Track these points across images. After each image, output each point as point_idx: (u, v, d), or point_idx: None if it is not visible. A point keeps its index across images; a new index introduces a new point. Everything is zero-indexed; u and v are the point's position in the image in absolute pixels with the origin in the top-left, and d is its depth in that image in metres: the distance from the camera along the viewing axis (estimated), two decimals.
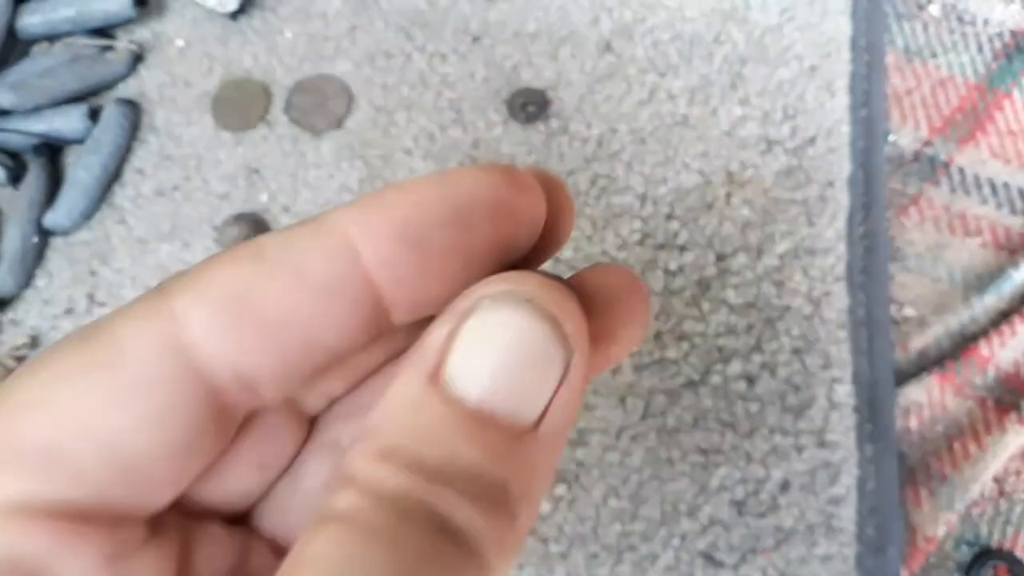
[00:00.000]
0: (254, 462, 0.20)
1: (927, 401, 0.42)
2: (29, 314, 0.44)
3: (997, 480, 0.41)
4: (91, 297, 0.44)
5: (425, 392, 0.16)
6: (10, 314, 0.44)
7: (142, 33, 0.48)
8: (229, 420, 0.18)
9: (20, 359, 0.43)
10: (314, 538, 0.15)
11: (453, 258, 0.17)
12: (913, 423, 0.42)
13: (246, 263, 0.17)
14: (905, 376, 0.42)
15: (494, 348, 0.16)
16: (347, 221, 0.17)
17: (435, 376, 0.16)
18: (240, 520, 0.20)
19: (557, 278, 0.18)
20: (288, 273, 0.17)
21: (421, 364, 0.16)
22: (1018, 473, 0.41)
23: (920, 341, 0.43)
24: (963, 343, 0.43)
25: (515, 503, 0.16)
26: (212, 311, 0.16)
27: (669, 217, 0.43)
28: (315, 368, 0.18)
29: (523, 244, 0.19)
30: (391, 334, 0.20)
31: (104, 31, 0.48)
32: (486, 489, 0.15)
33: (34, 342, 0.43)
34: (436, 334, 0.16)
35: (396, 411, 0.16)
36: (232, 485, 0.20)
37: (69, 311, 0.44)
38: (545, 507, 0.39)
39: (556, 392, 0.16)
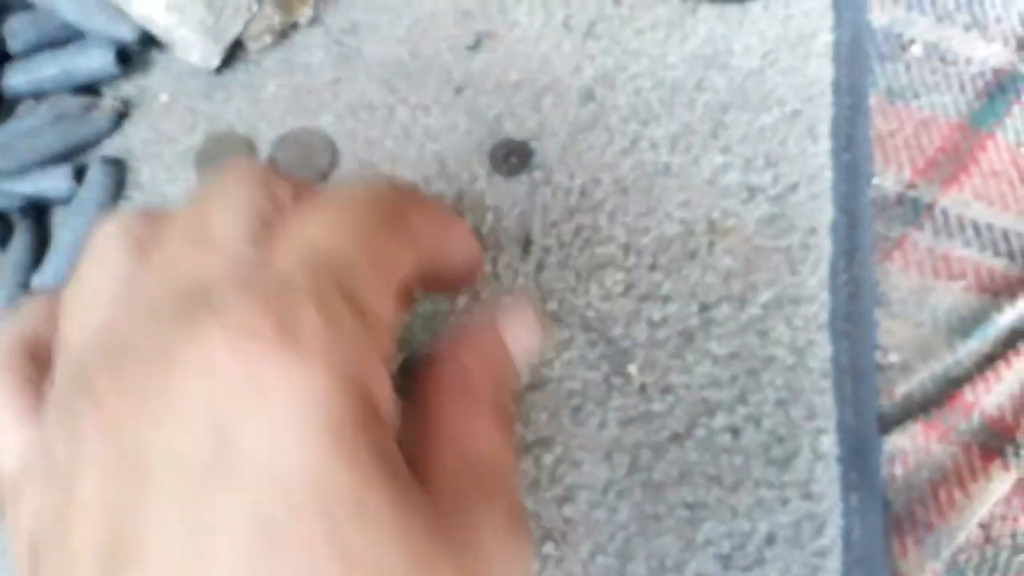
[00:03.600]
0: None
1: (912, 447, 0.42)
2: None
3: (983, 526, 0.41)
4: None
5: None
6: None
7: (127, 89, 0.48)
8: None
9: None
10: None
11: None
12: (899, 470, 0.42)
13: None
14: (890, 422, 0.43)
15: None
16: None
17: None
18: None
19: None
20: None
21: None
22: (1003, 518, 0.41)
23: (905, 387, 0.43)
24: (948, 388, 0.43)
25: None
26: None
27: (652, 267, 0.43)
28: None
29: None
30: None
31: (90, 88, 0.48)
32: None
33: None
34: None
35: None
36: None
37: None
38: (534, 567, 0.39)
39: None
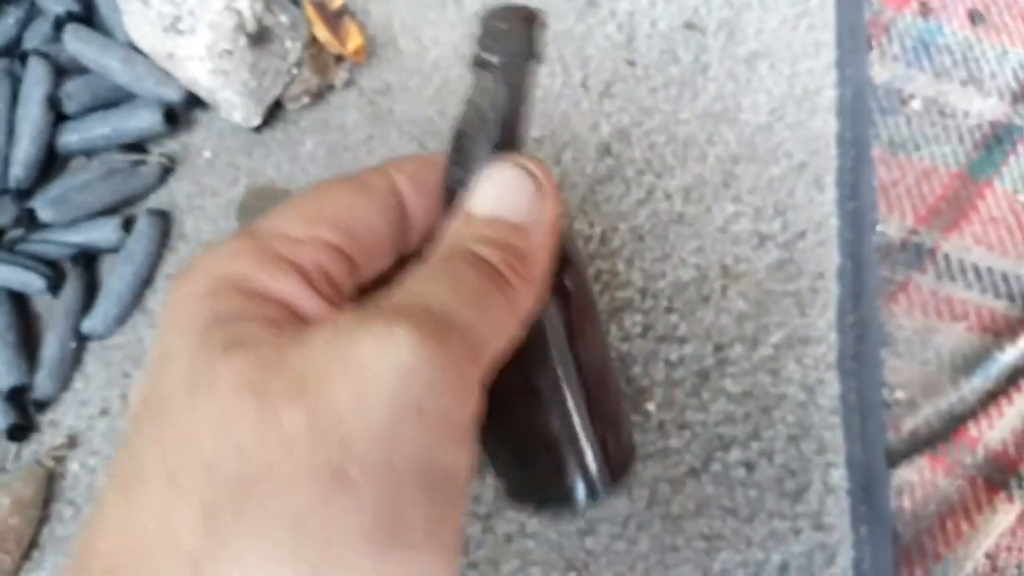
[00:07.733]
0: None
1: (919, 481, 0.44)
2: (67, 415, 0.47)
3: (989, 556, 0.43)
4: (125, 398, 0.47)
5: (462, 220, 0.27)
6: (49, 415, 0.47)
7: (172, 146, 0.52)
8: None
9: (58, 459, 0.46)
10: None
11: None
12: (907, 503, 0.44)
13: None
14: (897, 457, 0.44)
15: (496, 184, 0.28)
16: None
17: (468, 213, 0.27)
18: None
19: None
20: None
21: (460, 209, 0.28)
22: (1009, 549, 0.43)
23: (911, 423, 0.45)
24: (952, 424, 0.45)
25: (527, 255, 0.27)
26: None
27: (668, 310, 0.46)
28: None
29: None
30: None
31: (137, 145, 0.51)
32: (509, 246, 0.26)
33: (72, 442, 0.46)
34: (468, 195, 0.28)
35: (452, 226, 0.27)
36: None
37: (104, 412, 0.46)
38: None
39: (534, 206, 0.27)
